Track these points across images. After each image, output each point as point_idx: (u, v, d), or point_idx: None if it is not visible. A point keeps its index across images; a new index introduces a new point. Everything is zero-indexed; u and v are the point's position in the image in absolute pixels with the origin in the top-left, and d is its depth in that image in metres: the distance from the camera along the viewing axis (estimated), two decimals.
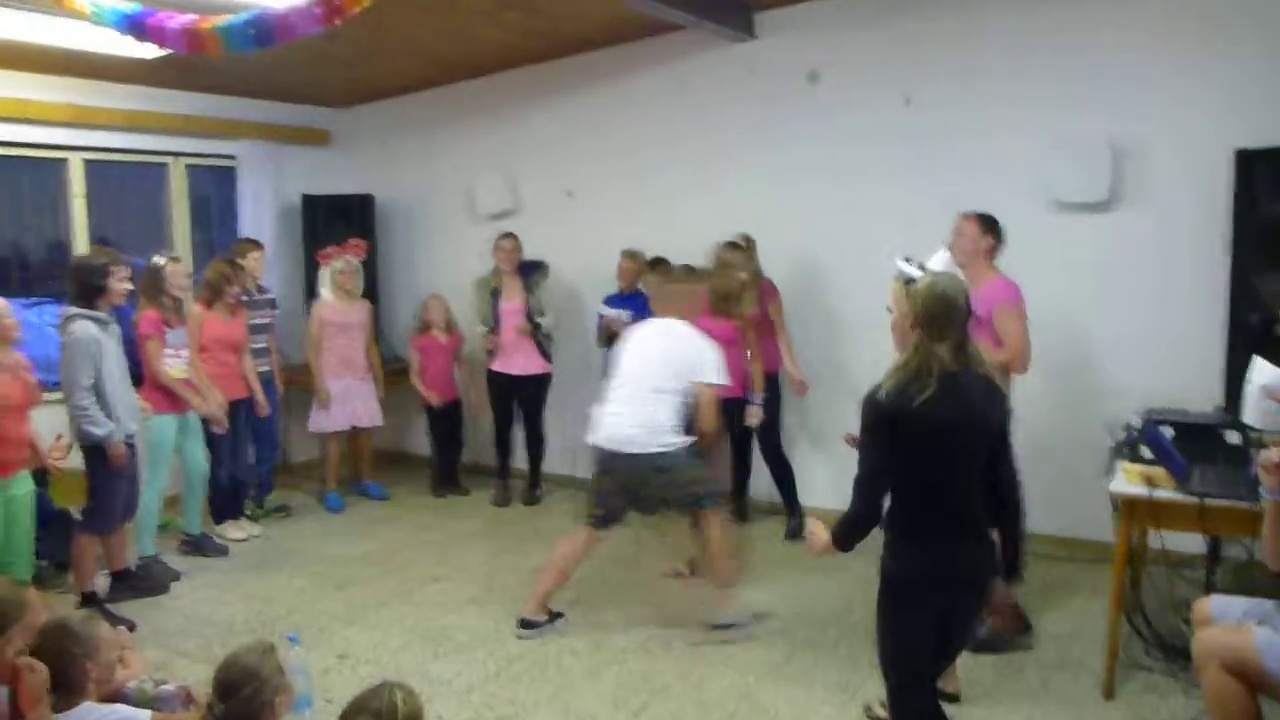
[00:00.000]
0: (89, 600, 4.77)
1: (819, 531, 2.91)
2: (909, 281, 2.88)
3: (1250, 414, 3.63)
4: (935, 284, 2.76)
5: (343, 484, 6.89)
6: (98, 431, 4.60)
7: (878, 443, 2.72)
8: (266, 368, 6.43)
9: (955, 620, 2.82)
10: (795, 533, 5.77)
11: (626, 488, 4.48)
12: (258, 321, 6.35)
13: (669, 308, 4.65)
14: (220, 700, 2.52)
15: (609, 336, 6.39)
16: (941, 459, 2.70)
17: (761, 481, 6.10)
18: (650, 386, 4.42)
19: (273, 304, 6.58)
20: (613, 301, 6.46)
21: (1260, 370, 3.59)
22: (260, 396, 6.12)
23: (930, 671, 2.90)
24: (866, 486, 2.76)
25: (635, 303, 6.32)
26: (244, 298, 6.12)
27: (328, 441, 6.84)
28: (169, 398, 5.40)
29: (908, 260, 3.35)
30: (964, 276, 4.12)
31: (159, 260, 5.45)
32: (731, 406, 5.23)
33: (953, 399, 2.64)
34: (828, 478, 5.96)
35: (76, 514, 5.00)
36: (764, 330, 5.70)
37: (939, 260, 3.00)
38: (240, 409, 6.06)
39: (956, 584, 2.77)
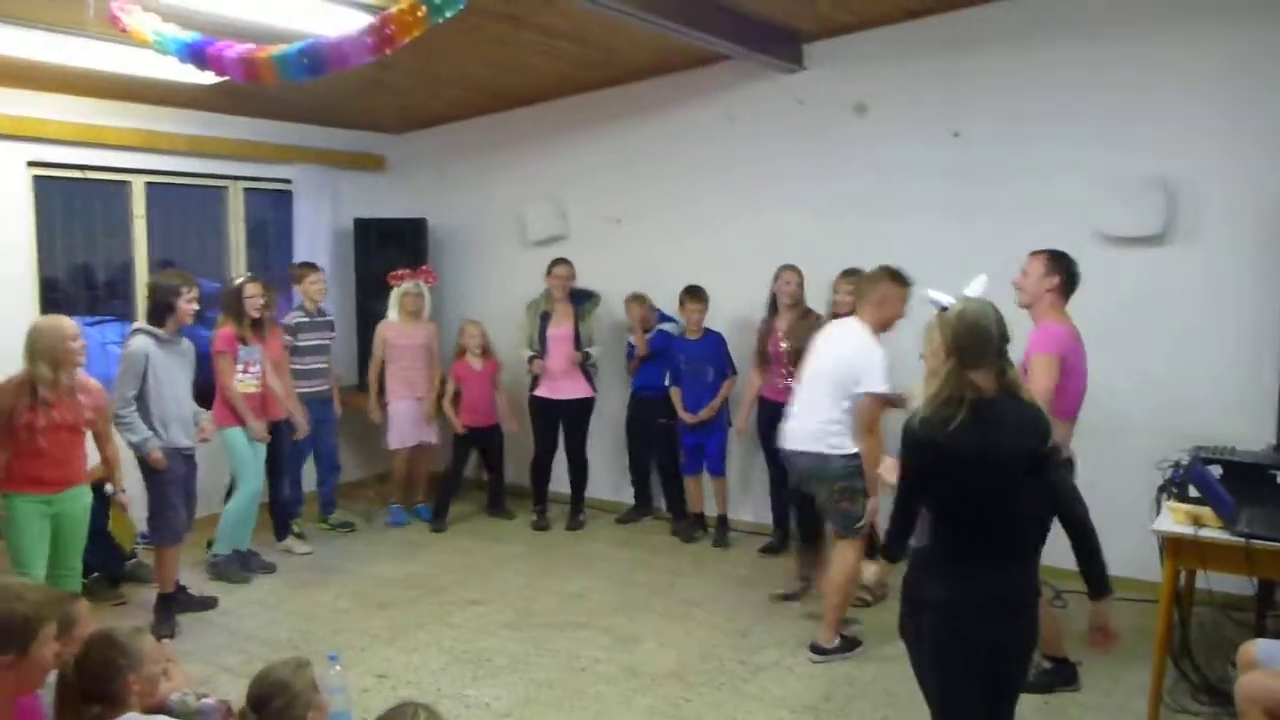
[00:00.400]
0: (165, 602, 5.01)
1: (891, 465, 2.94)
2: (942, 309, 2.84)
3: None
4: (965, 311, 2.74)
5: (410, 501, 7.05)
6: (132, 438, 4.78)
7: (911, 467, 2.75)
8: (325, 387, 6.56)
9: (1007, 654, 2.78)
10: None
11: (802, 491, 4.60)
12: (317, 342, 6.49)
13: (863, 308, 4.60)
14: (253, 711, 2.55)
15: (638, 365, 6.46)
16: (975, 486, 2.68)
17: None
18: (823, 389, 4.47)
19: (331, 326, 6.70)
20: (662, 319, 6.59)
21: None
22: (298, 417, 6.18)
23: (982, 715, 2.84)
24: (898, 509, 2.82)
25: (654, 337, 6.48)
26: (304, 319, 6.33)
27: (395, 458, 6.96)
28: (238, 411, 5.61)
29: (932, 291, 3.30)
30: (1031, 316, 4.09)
31: (239, 280, 5.73)
32: None
33: (983, 427, 2.62)
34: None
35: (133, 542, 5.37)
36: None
37: (977, 286, 2.96)
38: (284, 429, 6.12)
39: (1004, 608, 2.74)
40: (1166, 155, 4.94)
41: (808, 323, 5.58)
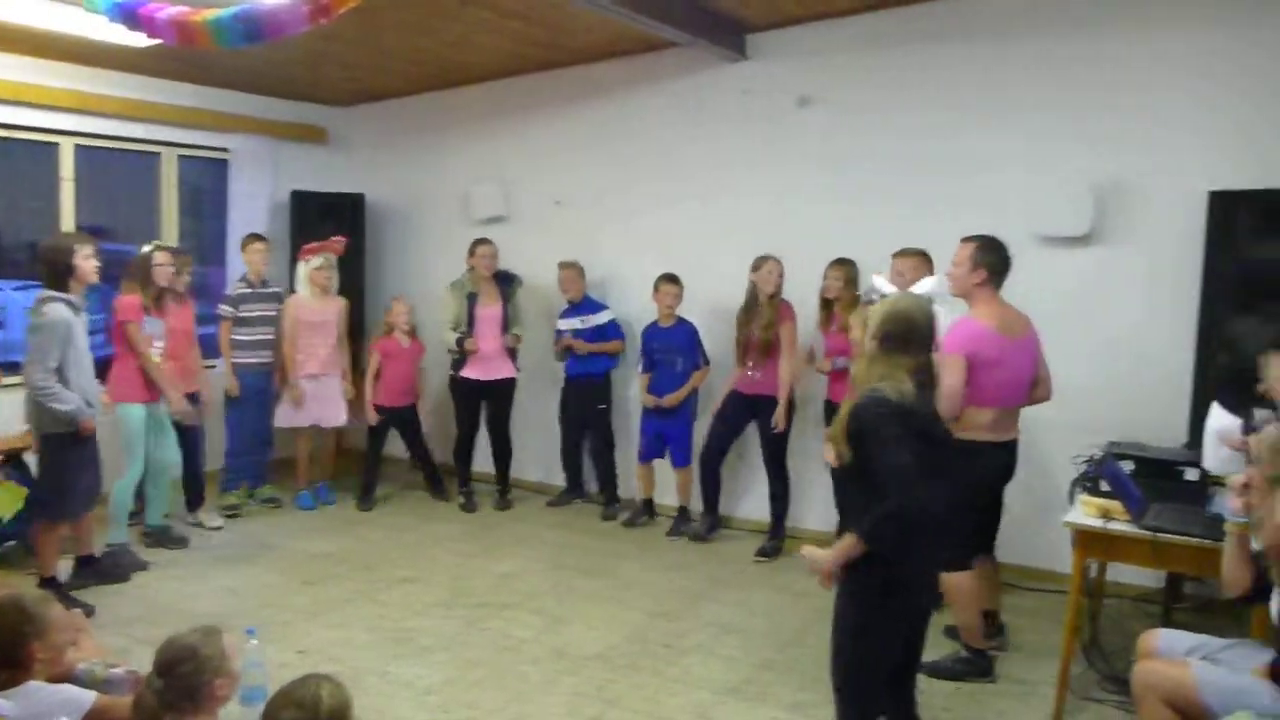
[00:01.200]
0: (49, 584, 4.76)
1: (818, 555, 2.79)
2: (881, 297, 2.91)
3: (1207, 459, 3.64)
4: (898, 302, 2.81)
5: (313, 483, 6.88)
6: (63, 407, 4.57)
7: (903, 436, 2.66)
8: (269, 359, 6.48)
9: (920, 626, 2.86)
10: (767, 552, 5.81)
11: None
12: (260, 313, 6.40)
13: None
14: (159, 676, 2.53)
15: (565, 350, 6.48)
16: (922, 459, 2.72)
17: (750, 499, 6.14)
18: None
19: (278, 298, 6.59)
20: (566, 314, 6.59)
21: (1217, 416, 3.62)
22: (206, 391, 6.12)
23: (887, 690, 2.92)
24: (906, 477, 2.63)
25: (585, 310, 6.49)
26: (246, 290, 6.23)
27: (297, 439, 6.81)
28: (139, 386, 5.38)
29: (879, 276, 3.36)
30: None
31: (148, 248, 5.49)
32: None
33: (925, 401, 2.72)
34: (823, 502, 5.97)
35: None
36: (774, 351, 5.74)
37: (925, 284, 3.02)
38: (193, 401, 6.00)
39: (936, 583, 2.82)
40: (1097, 155, 5.04)
41: (773, 309, 5.69)
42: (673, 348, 6.19)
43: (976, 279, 4.04)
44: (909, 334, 2.78)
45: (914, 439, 2.68)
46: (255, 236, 6.52)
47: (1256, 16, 4.66)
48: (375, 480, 6.87)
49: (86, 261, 4.70)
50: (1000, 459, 4.13)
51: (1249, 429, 3.48)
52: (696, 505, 6.30)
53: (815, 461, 5.90)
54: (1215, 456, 3.61)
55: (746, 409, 5.88)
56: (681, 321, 6.22)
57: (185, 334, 5.93)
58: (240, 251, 6.48)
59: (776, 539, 5.89)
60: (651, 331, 6.29)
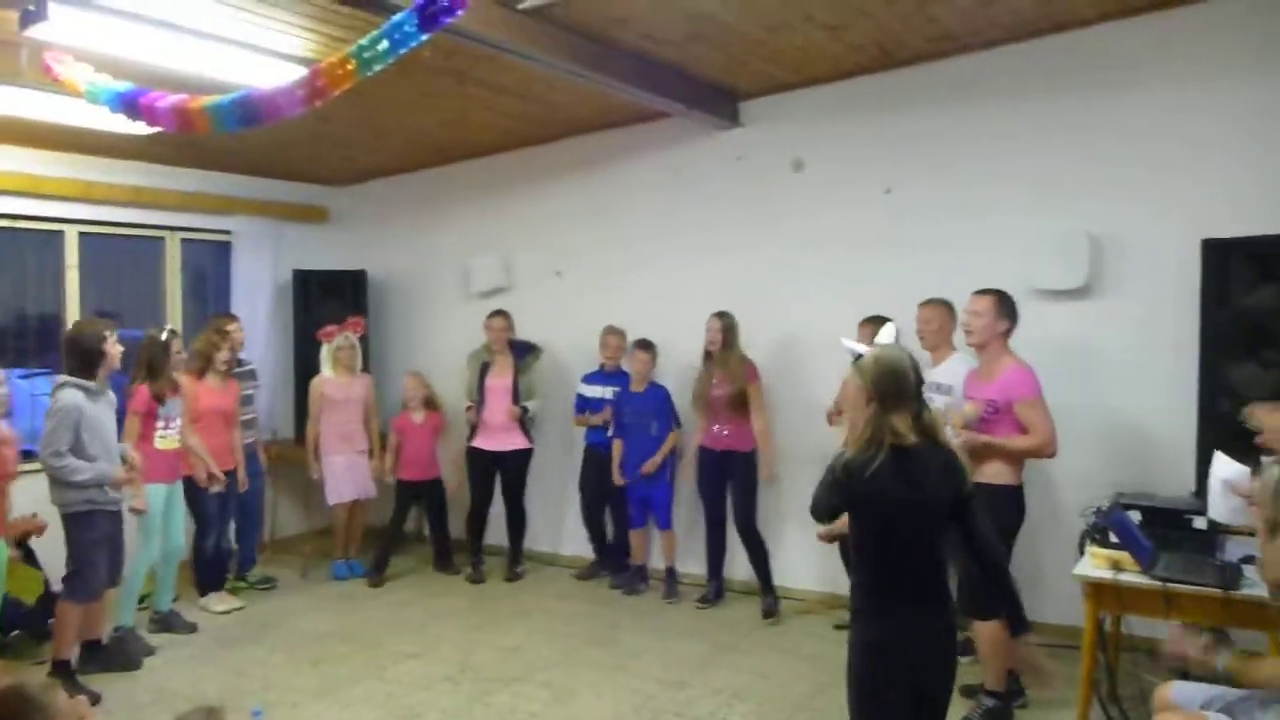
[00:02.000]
0: (60, 668, 4.74)
1: None
2: (856, 358, 2.93)
3: (1214, 509, 3.62)
4: (881, 357, 2.83)
5: (347, 555, 6.92)
6: (80, 477, 4.59)
7: (833, 494, 2.81)
8: (251, 439, 6.48)
9: (927, 698, 2.81)
10: (771, 611, 5.78)
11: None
12: (249, 391, 6.43)
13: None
14: None
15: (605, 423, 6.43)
16: (895, 529, 2.76)
17: (740, 560, 6.08)
18: None
19: (253, 375, 6.65)
20: (593, 379, 6.55)
21: (1221, 465, 3.60)
22: (242, 472, 6.14)
23: None
24: (814, 509, 2.92)
25: (617, 380, 6.42)
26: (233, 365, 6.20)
27: (334, 512, 6.85)
28: (158, 467, 5.40)
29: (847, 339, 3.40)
30: (980, 358, 4.41)
31: (163, 335, 5.46)
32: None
33: (904, 473, 2.69)
34: (804, 559, 6.03)
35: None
36: (741, 410, 5.81)
37: (887, 334, 3.07)
38: (231, 479, 6.09)
39: (923, 648, 2.78)
40: (1092, 211, 5.10)
41: (741, 369, 5.77)
42: (646, 411, 6.22)
43: (1003, 328, 4.33)
44: (901, 387, 2.79)
45: (859, 507, 2.79)
46: (229, 316, 6.57)
47: (1244, 71, 4.76)
48: (389, 555, 6.84)
49: (114, 349, 4.82)
50: (1024, 501, 4.36)
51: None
52: (683, 567, 6.38)
53: (793, 520, 6.00)
54: (1224, 506, 3.58)
55: (719, 467, 5.92)
56: (654, 385, 6.28)
57: (224, 414, 6.00)
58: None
59: (770, 595, 5.88)
60: (624, 396, 6.32)
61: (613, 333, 6.49)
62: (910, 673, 2.77)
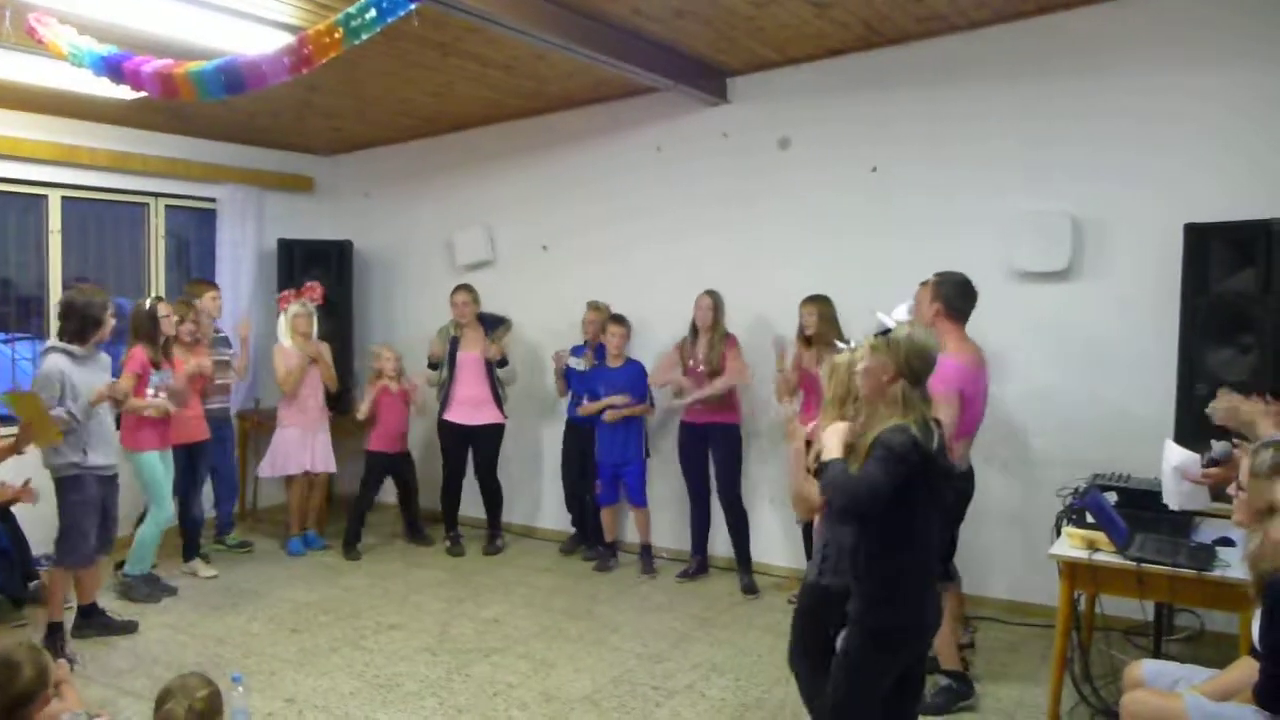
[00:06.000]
0: (52, 632, 4.76)
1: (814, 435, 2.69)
2: (884, 332, 2.83)
3: (1168, 496, 3.64)
4: (915, 335, 2.78)
5: (303, 529, 6.84)
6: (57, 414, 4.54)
7: (901, 474, 2.62)
8: (225, 404, 6.47)
9: (913, 673, 2.86)
10: (750, 588, 5.83)
11: None
12: (216, 358, 6.38)
13: None
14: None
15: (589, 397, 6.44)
16: (932, 508, 2.76)
17: (722, 536, 6.12)
18: None
19: (228, 342, 6.64)
20: (577, 351, 6.56)
21: (1172, 452, 3.62)
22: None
23: None
24: (877, 496, 2.62)
25: (599, 354, 6.45)
26: (199, 337, 6.16)
27: (290, 486, 6.80)
28: (150, 434, 5.46)
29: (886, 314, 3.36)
30: None
31: (151, 302, 5.51)
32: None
33: (943, 452, 2.71)
34: (781, 537, 6.12)
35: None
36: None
37: (902, 312, 3.04)
38: (204, 450, 6.10)
39: (928, 632, 2.81)
40: (1076, 193, 5.12)
41: (721, 346, 5.80)
42: (621, 386, 6.23)
43: (932, 312, 4.14)
44: (930, 367, 2.79)
45: (920, 484, 2.68)
46: (207, 283, 6.57)
47: (1231, 56, 4.77)
48: (361, 528, 6.80)
49: (113, 319, 4.84)
50: (967, 487, 4.27)
51: (1211, 462, 3.50)
52: (659, 542, 6.44)
53: (770, 498, 6.14)
54: (1176, 493, 3.60)
55: (700, 440, 5.97)
56: (630, 361, 6.30)
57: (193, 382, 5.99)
58: (193, 299, 6.38)
59: (749, 572, 5.94)
60: (597, 371, 6.33)
61: (594, 309, 6.50)
62: (913, 652, 2.81)
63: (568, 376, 6.50)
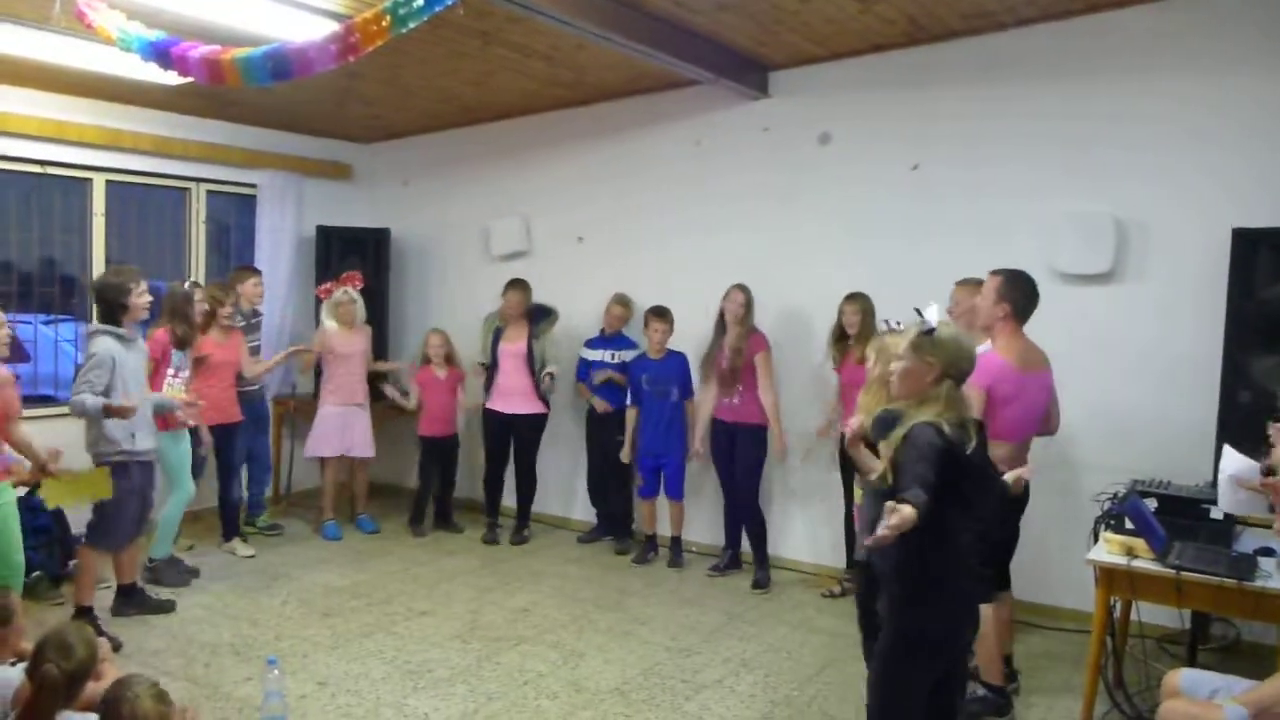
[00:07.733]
0: (83, 614, 4.79)
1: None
2: (928, 331, 2.78)
3: (1223, 501, 3.59)
4: (959, 335, 2.76)
5: (340, 514, 6.92)
6: (89, 402, 4.53)
7: (937, 471, 2.54)
8: (260, 386, 6.57)
9: (952, 678, 2.84)
10: (761, 584, 5.85)
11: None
12: (253, 343, 6.50)
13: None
14: None
15: (605, 382, 6.48)
16: (971, 509, 2.72)
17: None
18: None
19: (260, 328, 6.74)
20: (594, 343, 6.59)
21: (1229, 459, 3.58)
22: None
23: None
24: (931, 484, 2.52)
25: (616, 344, 6.51)
26: (240, 322, 6.27)
27: (324, 469, 6.88)
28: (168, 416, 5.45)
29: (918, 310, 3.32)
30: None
31: (186, 286, 5.58)
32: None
33: (983, 450, 2.67)
34: (813, 534, 6.11)
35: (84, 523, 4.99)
36: (750, 381, 5.83)
37: (934, 313, 2.99)
38: (239, 431, 6.18)
39: (961, 636, 2.79)
40: (1118, 195, 5.05)
41: (746, 342, 5.77)
42: (665, 379, 6.22)
43: (1000, 313, 4.04)
44: (971, 370, 2.77)
45: (953, 483, 2.61)
46: (251, 270, 6.66)
47: (1277, 57, 4.68)
48: (425, 507, 6.96)
49: (140, 299, 4.82)
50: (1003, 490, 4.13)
51: (1269, 470, 3.44)
52: (689, 535, 6.45)
53: (802, 495, 6.12)
54: (1232, 499, 3.56)
55: (729, 437, 5.94)
56: (672, 353, 6.27)
57: (230, 365, 6.08)
58: (235, 284, 6.48)
59: (764, 569, 5.95)
60: (641, 363, 6.33)
61: (619, 302, 6.54)
62: (954, 656, 2.79)
63: (580, 367, 6.63)
